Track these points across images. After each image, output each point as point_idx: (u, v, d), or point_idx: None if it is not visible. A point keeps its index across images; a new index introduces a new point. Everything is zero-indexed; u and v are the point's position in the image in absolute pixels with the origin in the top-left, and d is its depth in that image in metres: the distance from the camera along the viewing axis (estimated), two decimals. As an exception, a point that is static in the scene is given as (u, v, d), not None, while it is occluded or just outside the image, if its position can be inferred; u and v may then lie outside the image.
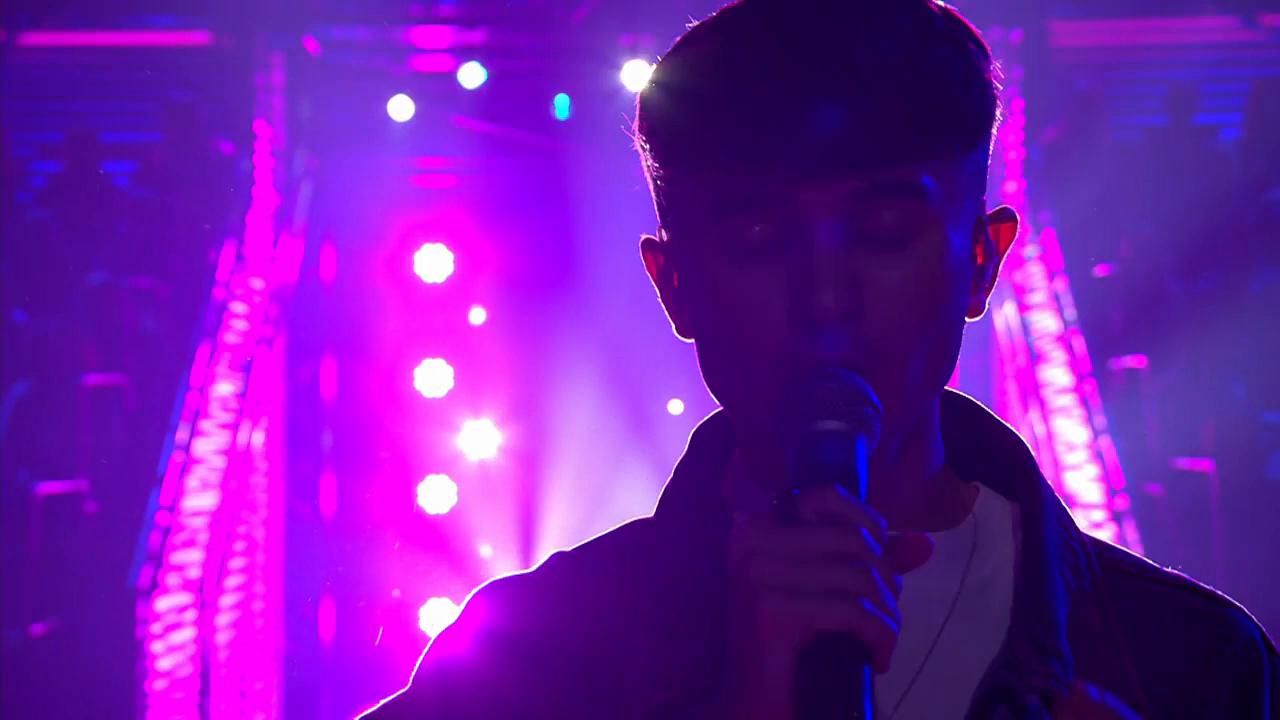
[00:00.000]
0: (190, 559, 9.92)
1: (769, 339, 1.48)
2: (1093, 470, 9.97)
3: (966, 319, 1.56)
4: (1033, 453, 1.64)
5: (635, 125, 1.59)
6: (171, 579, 9.66)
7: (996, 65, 1.54)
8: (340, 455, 12.27)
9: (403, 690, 1.63)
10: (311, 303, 12.15)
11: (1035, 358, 10.82)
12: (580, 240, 11.05)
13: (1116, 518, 9.61)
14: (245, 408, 10.81)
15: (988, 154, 1.56)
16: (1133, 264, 11.01)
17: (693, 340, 1.57)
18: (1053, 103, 12.21)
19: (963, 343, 1.60)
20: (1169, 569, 1.64)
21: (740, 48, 1.49)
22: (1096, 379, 10.32)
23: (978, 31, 1.54)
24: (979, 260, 1.57)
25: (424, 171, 12.41)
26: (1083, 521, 8.99)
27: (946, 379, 1.54)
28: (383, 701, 1.63)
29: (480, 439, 11.88)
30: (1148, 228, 10.93)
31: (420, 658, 1.64)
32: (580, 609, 1.59)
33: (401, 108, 12.09)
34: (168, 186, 11.66)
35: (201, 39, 12.67)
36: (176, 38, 12.87)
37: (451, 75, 12.24)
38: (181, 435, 10.01)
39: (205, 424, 10.29)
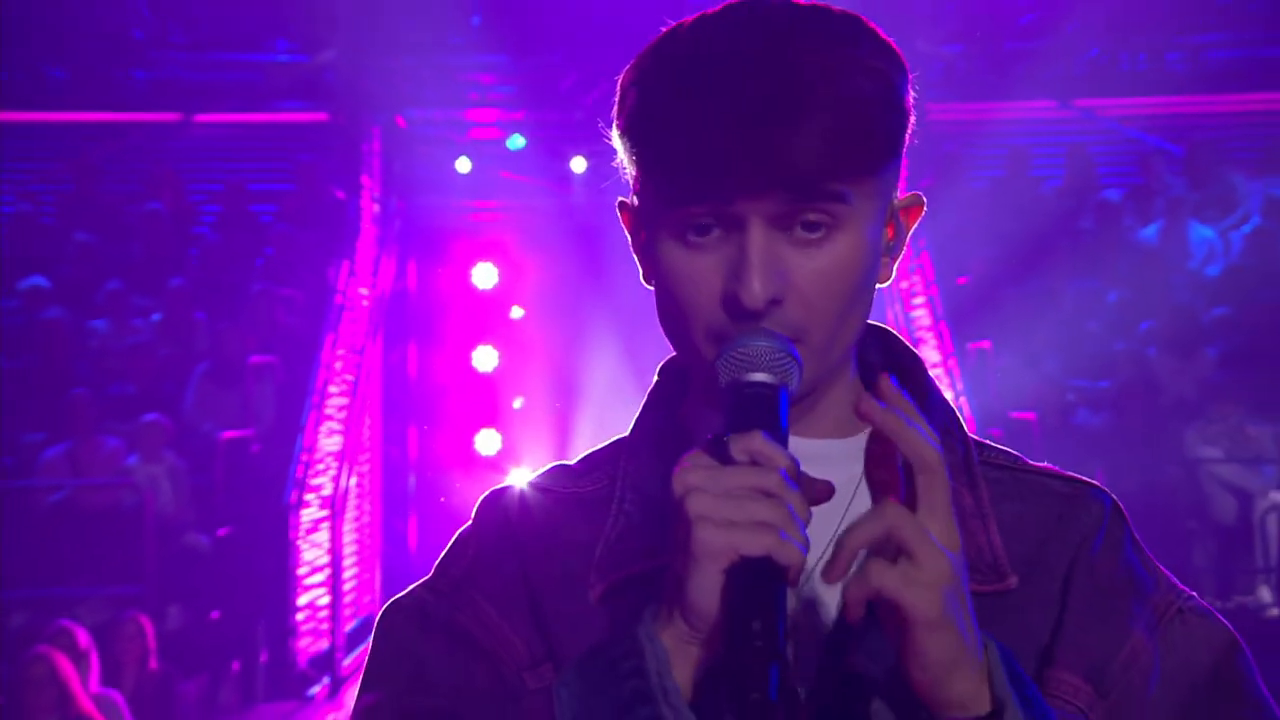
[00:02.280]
0: (323, 484, 10.12)
1: (706, 315, 1.34)
2: (955, 420, 10.12)
3: (878, 285, 1.40)
4: (927, 370, 1.50)
5: (614, 114, 1.41)
6: (311, 498, 9.86)
7: (912, 79, 1.38)
8: (421, 413, 12.43)
9: (429, 578, 1.50)
10: (400, 304, 12.34)
11: (915, 342, 10.70)
12: (592, 257, 10.76)
13: (969, 454, 9.66)
14: (358, 379, 10.95)
15: (901, 160, 1.39)
16: (982, 276, 11.11)
17: (651, 286, 1.43)
18: (927, 160, 12.12)
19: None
20: (1042, 463, 1.51)
21: (700, 72, 1.33)
22: (957, 357, 10.45)
23: (900, 52, 1.37)
24: (890, 237, 1.41)
25: (479, 210, 12.47)
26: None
27: (858, 335, 1.41)
28: (413, 586, 1.51)
29: (520, 402, 12.03)
30: (993, 250, 11.06)
31: (444, 550, 1.51)
32: (567, 508, 1.47)
33: (464, 165, 12.32)
34: (299, 222, 11.94)
35: (322, 117, 12.90)
36: (304, 116, 13.09)
37: (500, 142, 12.40)
38: (315, 398, 10.21)
39: (331, 390, 10.49)
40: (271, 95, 13.11)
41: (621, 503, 1.44)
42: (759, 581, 1.19)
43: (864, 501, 1.33)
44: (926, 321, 10.86)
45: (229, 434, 9.85)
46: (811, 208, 1.31)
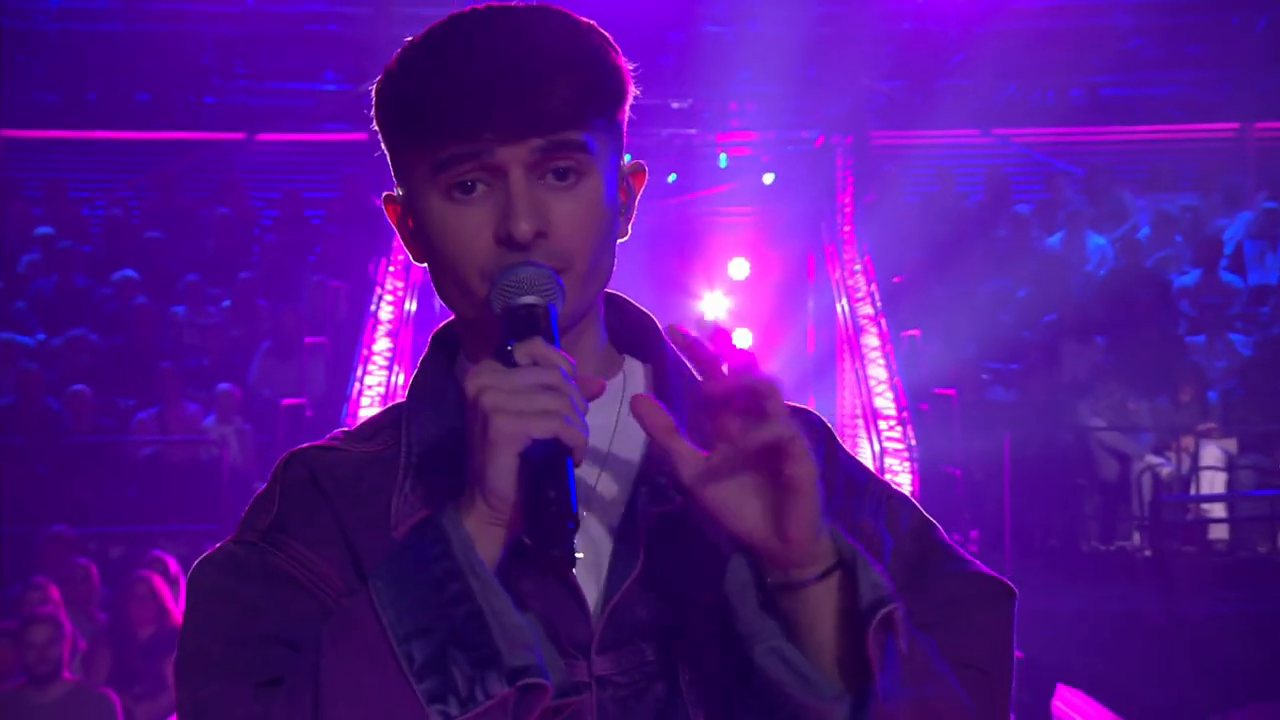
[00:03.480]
0: (366, 448, 10.09)
1: (481, 257, 1.33)
2: (890, 395, 10.31)
3: (619, 239, 1.41)
4: (660, 328, 1.49)
5: (373, 111, 1.39)
6: (355, 456, 9.93)
7: (626, 62, 1.38)
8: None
9: (233, 536, 1.41)
10: (429, 294, 11.50)
11: (859, 331, 11.12)
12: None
13: (903, 422, 9.93)
14: (393, 358, 10.90)
15: (624, 125, 1.40)
16: (915, 275, 11.37)
17: (425, 265, 1.40)
18: (870, 179, 12.58)
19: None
20: None
21: (449, 50, 1.33)
22: (893, 343, 10.64)
23: (612, 39, 1.39)
24: (623, 199, 1.42)
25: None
26: (883, 424, 8.93)
27: (608, 279, 1.42)
28: (218, 545, 1.41)
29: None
30: (924, 253, 11.10)
31: (246, 512, 1.42)
32: (363, 464, 1.41)
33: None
34: (345, 225, 12.18)
35: (363, 137, 12.44)
36: (347, 135, 13.27)
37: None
38: (359, 373, 10.34)
39: (371, 367, 10.58)
40: (321, 118, 13.29)
41: (409, 456, 1.40)
42: (551, 458, 1.21)
43: (626, 437, 1.40)
44: (869, 313, 11.12)
45: (287, 401, 10.05)
46: (561, 155, 1.33)
